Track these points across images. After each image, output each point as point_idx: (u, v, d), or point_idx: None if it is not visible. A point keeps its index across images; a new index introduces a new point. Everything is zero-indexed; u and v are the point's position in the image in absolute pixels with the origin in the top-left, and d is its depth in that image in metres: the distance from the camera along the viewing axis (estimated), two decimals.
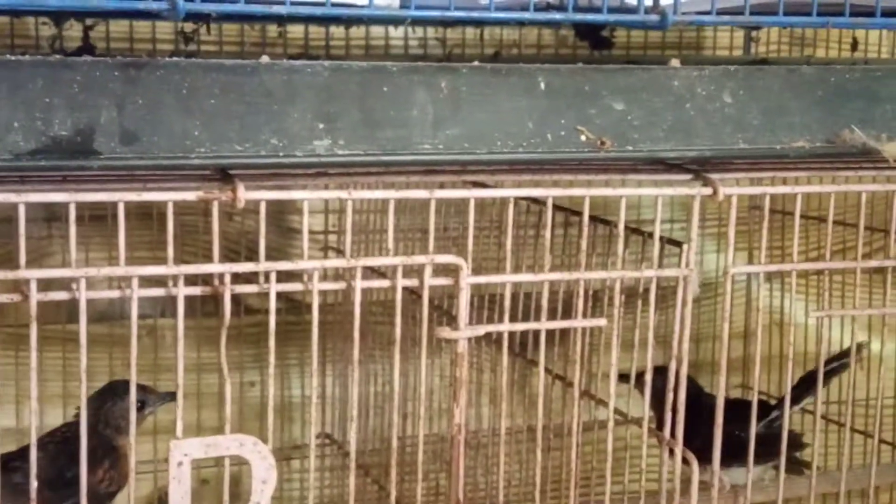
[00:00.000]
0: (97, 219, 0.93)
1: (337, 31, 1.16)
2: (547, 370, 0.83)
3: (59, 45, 1.04)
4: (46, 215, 1.08)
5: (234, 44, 1.12)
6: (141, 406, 0.84)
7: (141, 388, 0.87)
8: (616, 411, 0.81)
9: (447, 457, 0.82)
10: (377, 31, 1.18)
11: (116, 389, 0.88)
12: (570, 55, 1.23)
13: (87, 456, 0.77)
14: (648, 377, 0.80)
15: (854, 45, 1.30)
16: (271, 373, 0.71)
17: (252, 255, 1.06)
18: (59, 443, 0.84)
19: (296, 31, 1.14)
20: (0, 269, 0.64)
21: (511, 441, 0.94)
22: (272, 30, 1.13)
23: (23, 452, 0.80)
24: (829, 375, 0.98)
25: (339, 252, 1.10)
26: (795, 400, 0.96)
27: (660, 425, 0.82)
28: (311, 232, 1.15)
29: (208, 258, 0.69)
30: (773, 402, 1.09)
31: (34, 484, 0.64)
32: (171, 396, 0.88)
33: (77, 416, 0.88)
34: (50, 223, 1.09)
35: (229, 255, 1.08)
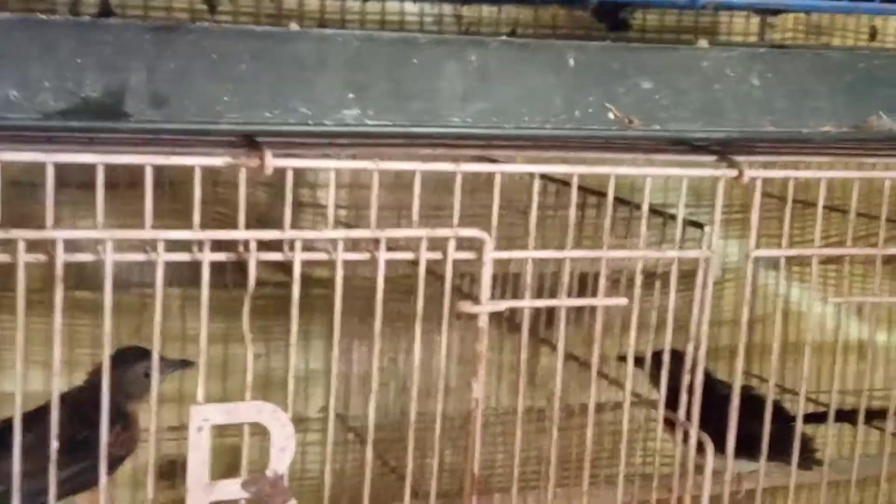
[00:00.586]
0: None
1: (353, 4, 1.16)
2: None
3: (77, 9, 1.04)
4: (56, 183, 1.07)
5: (249, 14, 1.12)
6: (150, 373, 0.84)
7: (150, 355, 0.86)
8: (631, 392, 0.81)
9: (454, 434, 0.83)
10: (393, 6, 1.18)
11: (127, 356, 0.88)
12: (586, 37, 1.23)
13: (96, 420, 0.78)
14: (666, 358, 0.80)
15: (873, 34, 1.30)
16: (293, 342, 0.71)
17: (263, 227, 1.08)
18: (70, 406, 0.83)
19: (312, 3, 1.13)
20: (26, 229, 0.64)
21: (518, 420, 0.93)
22: (289, 1, 1.12)
23: (33, 416, 0.80)
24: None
25: (349, 226, 1.10)
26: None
27: (672, 408, 0.82)
28: (319, 205, 1.16)
29: (221, 226, 0.68)
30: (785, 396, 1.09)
31: (55, 444, 0.64)
32: (182, 364, 0.88)
33: (87, 381, 0.88)
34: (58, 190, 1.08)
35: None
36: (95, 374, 0.83)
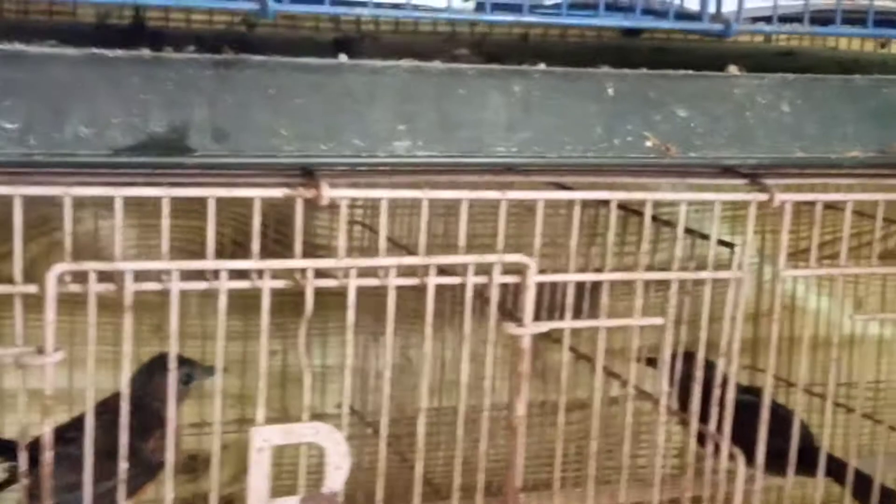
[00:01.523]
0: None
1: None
2: (571, 348, 0.86)
3: (106, 22, 1.05)
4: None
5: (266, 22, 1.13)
6: (187, 380, 0.86)
7: (187, 362, 0.89)
8: (642, 394, 0.84)
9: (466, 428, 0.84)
10: None
11: (164, 364, 0.90)
12: (596, 39, 1.25)
13: (138, 427, 0.80)
14: (699, 374, 0.83)
15: (883, 43, 1.32)
16: (349, 352, 0.74)
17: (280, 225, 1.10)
18: (114, 413, 0.85)
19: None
20: (95, 260, 0.66)
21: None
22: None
23: (76, 424, 0.82)
24: None
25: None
26: None
27: (683, 407, 0.85)
28: (333, 206, 1.18)
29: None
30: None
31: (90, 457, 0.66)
32: (214, 370, 0.89)
33: (129, 386, 0.90)
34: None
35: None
36: (134, 382, 0.85)
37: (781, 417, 0.91)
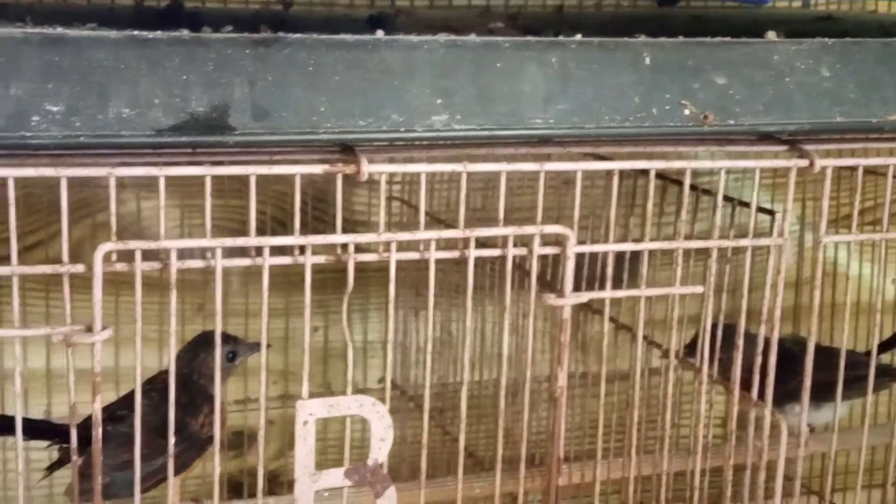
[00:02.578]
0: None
1: None
2: (611, 318, 0.86)
3: (143, 4, 1.06)
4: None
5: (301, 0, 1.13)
6: (232, 357, 0.87)
7: (232, 339, 0.90)
8: (683, 362, 0.84)
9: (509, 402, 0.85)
10: None
11: (209, 341, 0.91)
12: (631, 8, 1.24)
13: (186, 404, 0.81)
14: (740, 342, 0.83)
15: None
16: (390, 326, 0.74)
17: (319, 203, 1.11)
18: (162, 391, 0.87)
19: None
20: (140, 240, 0.67)
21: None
22: None
23: (125, 402, 0.84)
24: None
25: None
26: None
27: (724, 376, 0.86)
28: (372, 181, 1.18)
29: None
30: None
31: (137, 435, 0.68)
32: (258, 346, 0.90)
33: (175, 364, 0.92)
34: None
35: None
36: (180, 360, 0.87)
37: (825, 351, 0.91)
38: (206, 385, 0.89)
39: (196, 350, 0.91)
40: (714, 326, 0.85)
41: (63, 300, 0.68)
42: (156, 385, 0.88)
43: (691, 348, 0.88)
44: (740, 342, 0.83)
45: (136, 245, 0.66)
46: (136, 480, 0.72)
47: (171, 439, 0.72)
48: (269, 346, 0.77)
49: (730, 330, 0.85)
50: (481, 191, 1.07)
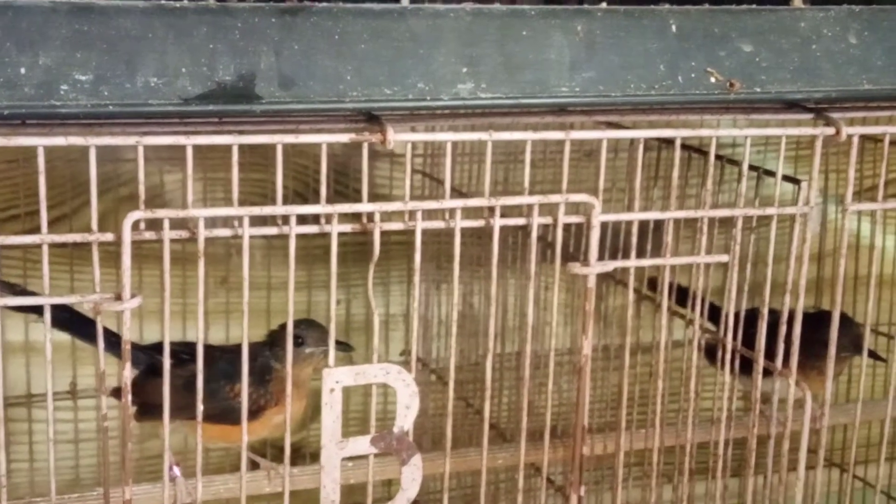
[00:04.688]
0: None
1: None
2: (635, 290, 0.86)
3: None
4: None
5: None
6: (301, 342, 0.87)
7: (308, 327, 0.89)
8: (707, 333, 0.84)
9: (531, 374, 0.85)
10: None
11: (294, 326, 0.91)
12: None
13: (231, 373, 0.82)
14: (765, 310, 0.83)
15: None
16: (416, 295, 0.74)
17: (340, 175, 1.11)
18: (229, 360, 0.86)
19: None
20: (167, 209, 0.68)
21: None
22: None
23: (187, 346, 0.83)
24: None
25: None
26: None
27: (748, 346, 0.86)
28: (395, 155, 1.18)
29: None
30: None
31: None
32: (338, 344, 0.90)
33: (265, 338, 0.92)
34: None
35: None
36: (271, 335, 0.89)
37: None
38: (270, 359, 0.88)
39: (283, 329, 0.90)
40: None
41: (89, 270, 0.68)
42: (226, 351, 0.87)
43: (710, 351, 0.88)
44: (765, 310, 0.83)
45: (164, 213, 0.67)
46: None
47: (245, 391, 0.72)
48: (339, 343, 0.77)
49: (753, 312, 0.85)
50: (503, 163, 1.07)
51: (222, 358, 0.83)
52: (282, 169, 0.69)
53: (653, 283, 0.92)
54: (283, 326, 0.86)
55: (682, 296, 0.91)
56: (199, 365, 0.71)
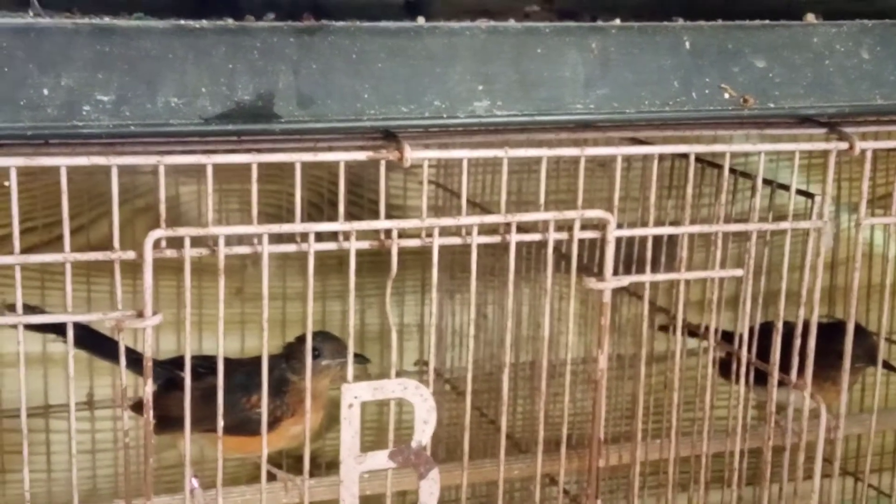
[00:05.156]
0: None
1: None
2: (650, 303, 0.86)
3: None
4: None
5: None
6: (317, 355, 0.88)
7: (324, 339, 0.90)
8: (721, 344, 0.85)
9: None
10: None
11: (314, 338, 0.91)
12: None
13: (248, 385, 0.82)
14: (779, 324, 0.83)
15: None
16: (433, 310, 0.75)
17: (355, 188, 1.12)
18: (245, 372, 0.87)
19: None
20: (177, 226, 0.68)
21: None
22: None
23: (206, 360, 0.84)
24: None
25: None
26: None
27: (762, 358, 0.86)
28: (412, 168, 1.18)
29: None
30: None
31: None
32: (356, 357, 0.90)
33: (282, 351, 0.93)
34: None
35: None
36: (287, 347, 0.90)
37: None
38: (288, 371, 0.89)
39: (300, 341, 0.90)
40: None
41: (105, 283, 0.69)
42: (244, 365, 0.88)
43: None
44: (779, 323, 0.83)
45: (186, 232, 0.67)
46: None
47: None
48: (357, 356, 0.78)
49: (768, 325, 0.86)
50: (517, 174, 1.08)
51: (238, 370, 0.84)
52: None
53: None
54: (299, 339, 0.87)
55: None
56: (219, 380, 0.72)
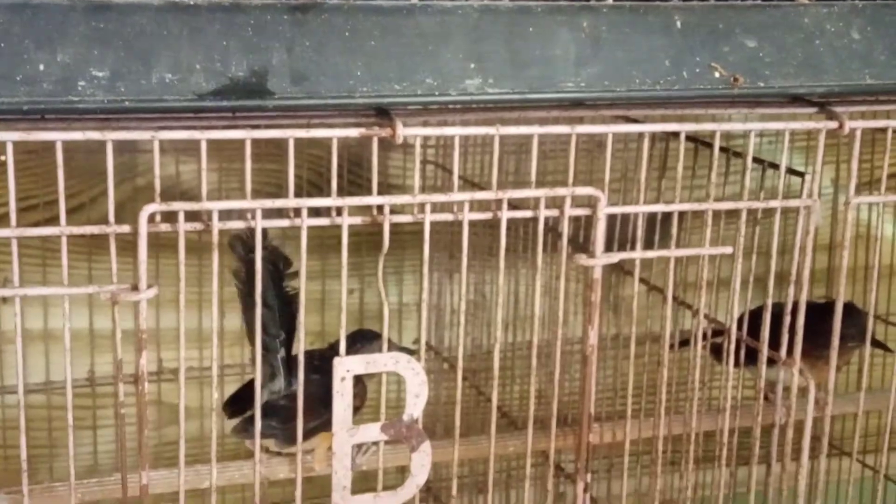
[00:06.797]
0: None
1: None
2: (643, 280, 0.87)
3: None
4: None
5: None
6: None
7: (363, 339, 0.90)
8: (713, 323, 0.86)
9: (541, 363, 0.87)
10: None
11: (365, 334, 0.92)
12: None
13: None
14: (768, 302, 0.84)
15: None
16: (425, 286, 0.76)
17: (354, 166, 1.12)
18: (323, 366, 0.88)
19: None
20: (181, 201, 0.69)
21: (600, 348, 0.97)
22: None
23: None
24: None
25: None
26: None
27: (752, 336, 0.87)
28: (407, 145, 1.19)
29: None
30: None
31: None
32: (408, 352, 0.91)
33: (328, 346, 0.93)
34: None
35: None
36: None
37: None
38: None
39: (354, 338, 0.90)
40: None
41: (106, 261, 0.70)
42: (314, 359, 0.89)
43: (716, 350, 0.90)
44: (769, 301, 0.84)
45: (180, 206, 0.68)
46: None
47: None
48: (414, 351, 0.79)
49: (760, 309, 0.86)
50: (514, 154, 1.08)
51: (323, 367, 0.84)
52: (297, 159, 0.71)
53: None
54: (353, 338, 0.87)
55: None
56: (213, 363, 0.73)
